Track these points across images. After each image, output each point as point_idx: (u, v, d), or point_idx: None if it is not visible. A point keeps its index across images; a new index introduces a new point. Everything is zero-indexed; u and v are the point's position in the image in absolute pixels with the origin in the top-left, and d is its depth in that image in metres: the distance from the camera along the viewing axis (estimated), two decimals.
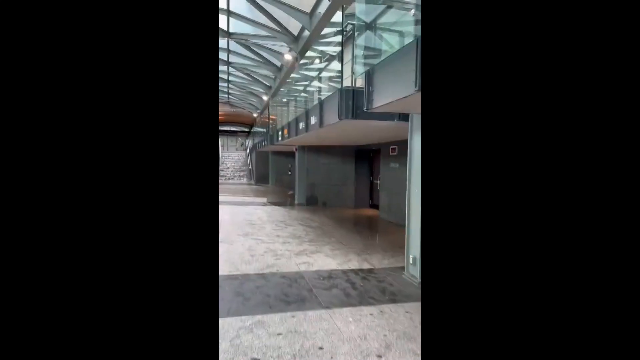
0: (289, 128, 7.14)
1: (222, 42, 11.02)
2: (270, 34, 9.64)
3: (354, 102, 3.48)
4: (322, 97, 4.43)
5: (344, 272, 3.80)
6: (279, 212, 8.11)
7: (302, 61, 9.86)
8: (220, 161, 18.76)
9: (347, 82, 3.66)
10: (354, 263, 4.13)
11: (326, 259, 4.25)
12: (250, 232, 5.63)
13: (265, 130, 13.06)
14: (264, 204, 9.41)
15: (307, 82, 9.36)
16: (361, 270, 3.89)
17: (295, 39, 9.24)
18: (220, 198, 10.16)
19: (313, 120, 4.88)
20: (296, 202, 9.65)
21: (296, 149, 9.63)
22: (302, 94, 9.03)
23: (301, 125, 5.73)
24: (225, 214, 7.45)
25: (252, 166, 17.80)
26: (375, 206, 8.65)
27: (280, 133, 8.46)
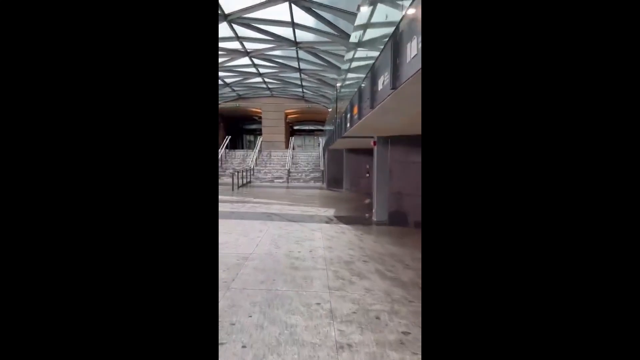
0: (359, 101, 4.25)
1: (283, 7, 8.80)
2: None
3: None
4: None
5: None
6: (346, 237, 5.29)
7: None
8: (291, 162, 16.94)
9: None
10: None
11: None
12: (278, 298, 2.94)
13: (335, 122, 10.42)
14: (329, 221, 6.71)
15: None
16: None
17: None
18: (275, 208, 7.87)
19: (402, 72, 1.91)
20: (374, 218, 6.69)
21: (374, 143, 6.68)
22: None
23: (382, 81, 2.79)
24: (265, 240, 4.98)
25: (324, 167, 15.42)
26: None
27: (348, 116, 5.64)
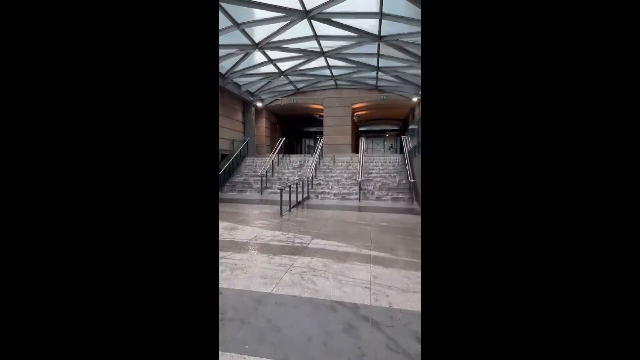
0: None
1: None
2: None
3: None
4: None
5: None
6: None
7: None
8: (362, 171, 12.48)
9: None
10: None
11: None
12: None
13: None
14: None
15: None
16: None
17: None
18: (358, 277, 3.41)
19: None
20: None
21: None
22: None
23: None
24: None
25: (413, 178, 10.62)
26: None
27: None
